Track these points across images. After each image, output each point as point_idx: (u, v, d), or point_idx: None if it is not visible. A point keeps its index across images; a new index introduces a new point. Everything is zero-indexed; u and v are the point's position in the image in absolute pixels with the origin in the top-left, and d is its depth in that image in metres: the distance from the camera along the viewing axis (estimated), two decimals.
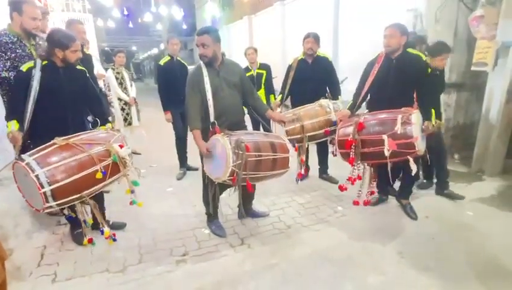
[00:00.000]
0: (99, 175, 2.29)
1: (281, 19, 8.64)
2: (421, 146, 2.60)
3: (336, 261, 2.47)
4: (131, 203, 2.63)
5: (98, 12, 16.62)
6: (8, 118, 2.40)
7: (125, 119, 4.76)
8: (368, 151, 2.72)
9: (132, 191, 2.58)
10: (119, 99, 4.68)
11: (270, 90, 4.68)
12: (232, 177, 2.37)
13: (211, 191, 2.71)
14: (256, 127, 4.42)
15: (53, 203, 2.17)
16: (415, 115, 2.58)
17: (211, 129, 2.56)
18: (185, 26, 17.55)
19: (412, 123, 2.53)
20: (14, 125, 2.35)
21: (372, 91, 3.03)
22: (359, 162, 2.81)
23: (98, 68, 4.31)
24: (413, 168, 2.63)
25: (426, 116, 2.84)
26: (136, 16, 19.45)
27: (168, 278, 2.35)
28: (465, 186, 3.28)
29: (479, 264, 2.38)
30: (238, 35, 11.60)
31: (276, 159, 2.56)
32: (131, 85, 4.78)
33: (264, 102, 4.60)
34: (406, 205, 3.17)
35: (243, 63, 4.74)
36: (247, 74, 4.60)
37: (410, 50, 2.88)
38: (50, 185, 2.12)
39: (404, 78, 2.83)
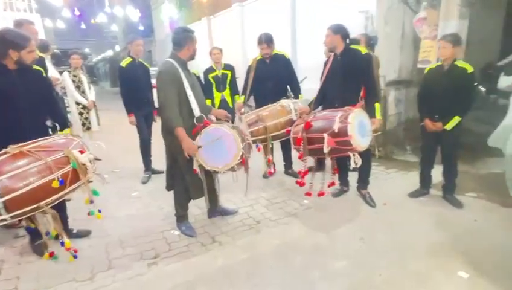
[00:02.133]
0: (55, 184, 2.17)
1: (240, 20, 8.73)
2: (360, 143, 2.76)
3: (303, 251, 2.60)
4: (89, 214, 2.53)
5: (46, 12, 15.65)
6: None
7: (83, 124, 4.57)
8: (313, 148, 2.90)
9: (91, 202, 2.46)
10: (77, 103, 4.47)
11: (235, 90, 4.74)
12: (241, 160, 2.54)
13: (206, 184, 2.76)
14: None
15: (6, 216, 2.05)
16: (352, 115, 2.74)
17: (196, 124, 2.55)
18: (141, 27, 17.07)
19: (348, 122, 2.70)
20: None
21: (325, 89, 3.23)
22: (306, 157, 2.99)
23: (51, 71, 4.10)
24: (353, 162, 2.82)
25: (371, 114, 3.04)
26: (88, 16, 18.54)
27: (139, 281, 2.33)
28: (417, 174, 3.57)
29: (432, 244, 2.62)
30: (197, 37, 11.51)
31: (249, 143, 2.79)
32: (89, 88, 4.59)
33: (230, 103, 4.70)
34: (365, 194, 3.40)
35: (205, 63, 4.76)
36: (212, 74, 4.65)
37: (353, 46, 3.12)
38: (2, 197, 2.00)
39: (348, 72, 3.05)
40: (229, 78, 4.71)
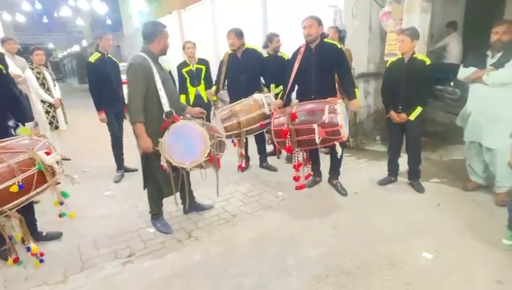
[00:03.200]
0: (14, 188, 2.07)
1: (211, 14, 8.61)
2: (345, 132, 2.91)
3: (279, 241, 2.66)
4: (61, 215, 2.46)
5: (3, 5, 14.74)
6: None
7: (50, 123, 4.37)
8: (301, 139, 2.96)
9: (61, 203, 2.39)
10: (42, 101, 4.28)
11: (209, 85, 4.70)
12: (209, 157, 2.51)
13: (176, 181, 2.74)
14: None
15: None
16: (339, 105, 2.88)
17: (166, 119, 2.52)
18: (109, 22, 16.45)
19: (337, 113, 2.82)
20: None
21: (298, 81, 3.29)
22: (297, 149, 3.04)
23: (12, 68, 3.88)
24: (339, 151, 2.96)
25: (352, 96, 3.20)
26: (51, 9, 17.62)
27: (115, 280, 2.30)
28: (386, 163, 3.73)
29: (399, 228, 2.77)
30: (168, 31, 11.27)
31: (221, 140, 2.77)
32: (54, 85, 4.40)
33: (205, 98, 4.65)
34: (336, 184, 3.51)
35: (177, 58, 4.68)
36: (186, 69, 4.58)
37: (326, 40, 3.23)
38: None
39: (324, 65, 3.14)
40: (203, 72, 4.67)
